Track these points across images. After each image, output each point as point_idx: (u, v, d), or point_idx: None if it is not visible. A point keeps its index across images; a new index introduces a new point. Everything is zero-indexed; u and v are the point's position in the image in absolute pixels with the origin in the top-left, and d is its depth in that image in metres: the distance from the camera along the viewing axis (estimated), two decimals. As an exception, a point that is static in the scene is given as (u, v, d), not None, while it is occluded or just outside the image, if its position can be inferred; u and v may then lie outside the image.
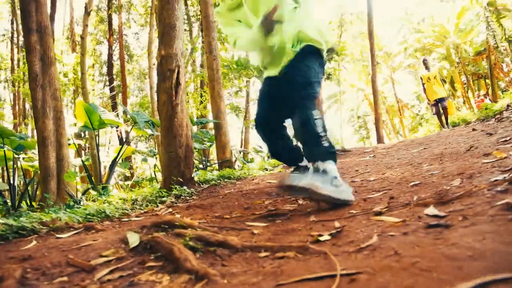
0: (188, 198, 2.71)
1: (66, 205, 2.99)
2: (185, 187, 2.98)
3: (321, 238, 1.00)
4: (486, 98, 17.45)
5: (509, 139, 2.38)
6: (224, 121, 6.47)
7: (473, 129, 3.92)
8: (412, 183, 1.73)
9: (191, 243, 1.02)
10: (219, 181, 3.26)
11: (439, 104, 8.05)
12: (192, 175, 3.25)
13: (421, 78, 8.44)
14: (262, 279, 0.73)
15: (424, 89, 8.31)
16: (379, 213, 1.21)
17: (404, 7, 27.15)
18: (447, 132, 5.40)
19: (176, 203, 2.57)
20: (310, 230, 1.16)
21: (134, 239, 1.16)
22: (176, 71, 3.25)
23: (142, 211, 2.35)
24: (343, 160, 4.10)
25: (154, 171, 11.81)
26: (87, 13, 8.06)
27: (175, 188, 2.98)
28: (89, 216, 2.00)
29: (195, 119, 13.32)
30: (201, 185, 3.15)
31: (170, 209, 2.19)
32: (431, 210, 1.05)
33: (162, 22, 3.45)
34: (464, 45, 22.47)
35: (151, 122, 5.59)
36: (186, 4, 17.70)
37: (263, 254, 0.92)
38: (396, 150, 4.07)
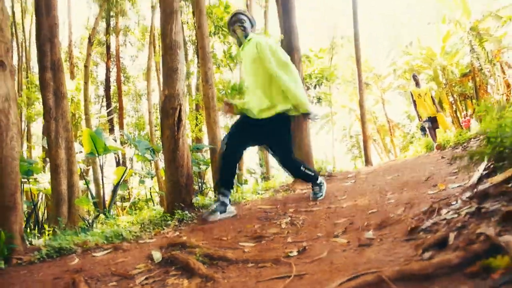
0: (189, 222, 3.14)
1: (81, 228, 3.40)
2: (186, 212, 3.41)
3: (291, 254, 1.45)
4: (473, 118, 18.15)
5: (457, 171, 2.85)
6: (219, 146, 6.91)
7: (442, 157, 4.41)
8: (371, 211, 2.19)
9: (200, 258, 1.47)
10: (216, 206, 3.69)
11: (431, 122, 7.79)
12: (192, 201, 3.69)
13: (411, 94, 8.15)
14: (249, 279, 1.18)
15: (415, 106, 8.01)
16: (336, 236, 1.67)
17: (393, 31, 28.02)
18: (422, 157, 5.90)
19: (179, 226, 3.01)
20: (285, 248, 1.61)
21: (158, 256, 1.60)
22: (178, 109, 3.72)
23: (152, 234, 2.78)
24: (327, 184, 4.57)
25: (151, 192, 12.18)
26: (90, 43, 8.58)
27: (178, 212, 3.41)
28: (110, 238, 2.42)
29: (191, 144, 13.72)
30: (200, 210, 3.58)
31: (177, 232, 2.62)
32: (369, 234, 1.51)
33: (165, 65, 3.95)
34: (451, 67, 23.34)
35: (151, 149, 6.04)
36: (182, 29, 18.39)
37: (250, 264, 1.36)
38: (375, 176, 4.54)
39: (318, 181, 3.37)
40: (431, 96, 7.94)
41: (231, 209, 3.07)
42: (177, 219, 3.30)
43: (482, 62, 19.40)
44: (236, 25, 3.21)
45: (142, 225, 3.40)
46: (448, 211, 1.40)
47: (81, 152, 6.02)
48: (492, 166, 1.98)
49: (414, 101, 7.98)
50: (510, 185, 1.62)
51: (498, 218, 0.97)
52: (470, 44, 19.79)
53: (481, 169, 2.19)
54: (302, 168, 3.27)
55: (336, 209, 2.61)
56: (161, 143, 4.19)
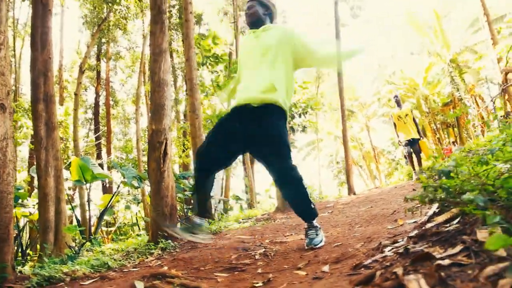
0: (172, 251, 3.32)
1: (68, 256, 3.54)
2: (169, 241, 3.59)
3: (256, 285, 1.67)
4: (455, 145, 18.74)
5: (419, 206, 3.12)
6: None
7: (413, 189, 4.70)
8: (336, 244, 2.42)
9: (177, 288, 1.67)
10: (198, 235, 3.88)
11: (412, 146, 7.31)
12: (176, 230, 3.88)
13: (391, 116, 7.85)
14: (216, 307, 1.39)
15: (395, 128, 7.59)
16: (299, 268, 1.89)
17: (377, 61, 28.98)
18: (401, 185, 6.20)
19: (162, 255, 3.19)
20: (254, 279, 1.82)
21: (140, 286, 1.80)
22: (164, 143, 3.96)
23: (136, 262, 2.96)
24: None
25: (136, 218, 12.21)
26: (81, 71, 8.83)
27: (161, 241, 3.59)
28: (96, 267, 2.60)
29: (178, 169, 13.89)
30: (183, 239, 3.76)
31: (159, 261, 2.80)
32: (325, 268, 1.74)
33: (153, 102, 4.20)
34: (433, 96, 24.16)
35: (138, 177, 6.22)
36: (171, 57, 18.82)
37: (220, 294, 1.58)
38: (350, 207, 4.80)
39: (315, 222, 2.59)
40: (413, 118, 7.45)
41: (203, 235, 2.62)
42: (161, 248, 3.48)
43: (462, 93, 20.17)
44: (247, 11, 2.77)
45: (127, 253, 3.57)
46: (391, 249, 1.64)
47: (67, 179, 6.16)
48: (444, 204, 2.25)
49: (394, 124, 7.61)
50: (448, 225, 1.89)
51: (413, 258, 1.21)
52: (450, 75, 20.62)
53: (434, 207, 2.46)
54: (306, 191, 2.54)
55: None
56: (147, 168, 4.39)
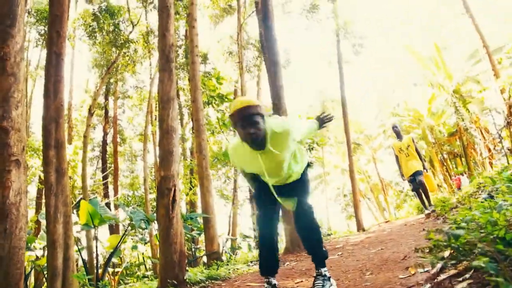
0: (181, 300, 3.29)
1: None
2: (179, 289, 3.56)
3: None
4: (463, 175, 18.55)
5: (429, 251, 3.08)
6: (212, 215, 7.12)
7: (423, 229, 4.65)
8: (347, 295, 2.39)
9: None
10: (207, 283, 3.85)
11: (416, 180, 6.77)
12: (185, 277, 3.85)
13: (392, 149, 7.39)
14: None
15: (397, 161, 7.19)
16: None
17: (381, 93, 29.29)
18: (410, 224, 6.13)
19: (171, 306, 3.15)
20: None
21: None
22: (173, 189, 4.00)
23: (145, 315, 2.93)
24: (315, 257, 4.76)
25: (144, 257, 12.06)
26: (90, 114, 9.03)
27: (170, 290, 3.56)
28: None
29: (185, 207, 13.83)
30: (192, 287, 3.73)
31: (168, 314, 2.77)
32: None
33: (161, 148, 4.28)
34: (438, 126, 24.21)
35: (146, 219, 6.22)
36: (178, 96, 19.20)
37: None
38: (360, 248, 4.74)
39: (325, 270, 2.59)
40: (415, 148, 6.98)
41: None
42: (170, 297, 3.45)
43: (467, 122, 20.19)
44: (247, 131, 2.26)
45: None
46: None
47: (76, 223, 6.17)
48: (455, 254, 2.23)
49: (396, 156, 7.21)
50: (460, 279, 1.87)
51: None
52: (454, 105, 20.71)
53: (446, 255, 2.45)
54: (318, 230, 2.67)
55: (318, 290, 2.79)
56: (156, 214, 4.40)
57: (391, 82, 29.59)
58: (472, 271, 1.82)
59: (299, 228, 2.68)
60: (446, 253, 2.33)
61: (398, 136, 7.29)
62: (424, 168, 6.92)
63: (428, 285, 1.97)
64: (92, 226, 5.89)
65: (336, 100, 26.04)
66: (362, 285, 2.60)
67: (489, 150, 17.05)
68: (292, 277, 3.57)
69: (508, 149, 12.69)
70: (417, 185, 6.77)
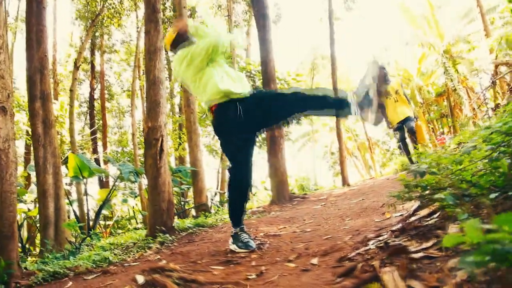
0: (170, 245, 3.45)
1: (69, 252, 3.66)
2: (167, 235, 3.72)
3: (250, 277, 1.79)
4: (448, 135, 18.94)
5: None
6: (200, 169, 7.25)
7: (404, 182, 4.83)
8: (326, 237, 2.55)
9: (176, 280, 1.79)
10: (195, 229, 4.01)
11: (405, 127, 6.08)
12: (173, 224, 4.00)
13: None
14: (212, 298, 1.51)
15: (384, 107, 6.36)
16: (290, 261, 2.02)
17: (372, 52, 29.05)
18: (391, 179, 6.33)
19: (161, 249, 3.31)
20: (248, 272, 1.95)
21: (141, 280, 1.92)
22: (160, 140, 4.06)
23: (136, 256, 3.08)
24: (299, 207, 4.95)
25: (134, 211, 12.32)
26: (76, 67, 8.86)
27: (160, 235, 3.71)
28: (97, 262, 2.72)
29: (174, 162, 13.99)
30: (180, 233, 3.89)
31: (158, 255, 2.93)
32: (314, 260, 1.86)
33: (149, 99, 4.30)
34: (427, 87, 24.31)
35: (135, 171, 6.32)
36: (166, 51, 18.79)
37: (215, 286, 1.70)
38: (343, 199, 4.94)
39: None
40: (404, 94, 6.27)
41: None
42: (159, 242, 3.60)
43: (456, 83, 20.31)
44: None
45: (127, 248, 3.70)
46: (374, 242, 1.77)
47: (66, 175, 6.25)
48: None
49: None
50: (429, 219, 2.01)
51: (390, 251, 1.33)
52: (444, 66, 20.69)
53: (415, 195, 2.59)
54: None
55: (299, 234, 2.96)
56: (144, 164, 4.49)
57: (382, 41, 29.25)
58: (440, 211, 1.96)
59: None
60: (416, 194, 2.48)
61: (385, 79, 6.34)
62: (415, 116, 6.23)
63: (399, 225, 2.11)
64: (81, 178, 5.97)
65: (327, 58, 25.81)
66: (341, 228, 2.77)
67: (473, 109, 17.31)
68: (276, 224, 3.74)
69: (492, 109, 12.89)
70: (409, 132, 5.99)
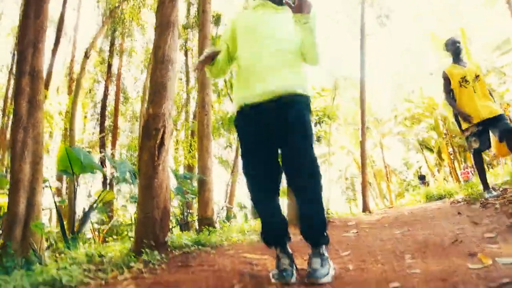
0: (156, 266, 2.54)
1: (26, 260, 2.79)
2: (156, 252, 2.81)
3: None
4: (472, 169, 17.79)
5: (495, 235, 2.31)
6: (209, 178, 6.37)
7: (458, 213, 3.86)
8: (391, 284, 1.62)
9: None
10: (193, 248, 3.10)
11: (490, 129, 4.17)
12: (166, 239, 3.10)
13: (446, 78, 4.47)
14: None
15: (453, 98, 4.48)
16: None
17: (396, 78, 28.29)
18: (431, 208, 5.35)
19: (142, 272, 2.40)
20: None
21: None
22: (162, 131, 3.20)
23: (103, 281, 2.18)
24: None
25: (135, 218, 11.44)
26: (86, 57, 8.20)
27: (146, 252, 2.81)
28: (41, 286, 1.83)
29: (181, 168, 13.19)
30: (174, 251, 2.98)
31: (133, 283, 2.02)
32: None
33: (154, 80, 3.46)
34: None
35: (133, 171, 5.47)
36: (186, 55, 18.25)
37: None
38: (380, 228, 3.97)
39: (324, 249, 1.98)
40: (484, 82, 4.40)
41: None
42: (143, 260, 2.70)
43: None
44: None
45: (101, 263, 2.79)
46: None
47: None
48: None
49: (451, 91, 4.48)
50: None
51: None
52: (472, 97, 19.67)
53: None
54: (322, 200, 1.97)
55: (340, 272, 2.04)
56: (138, 159, 3.64)
57: (408, 68, 28.44)
58: None
59: (299, 199, 1.98)
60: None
61: (457, 58, 4.51)
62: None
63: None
64: (71, 173, 5.12)
65: (349, 79, 24.95)
66: (408, 272, 1.83)
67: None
68: (301, 253, 2.81)
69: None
70: (502, 135, 3.95)
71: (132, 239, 5.37)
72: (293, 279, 1.89)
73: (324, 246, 1.97)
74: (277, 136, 1.92)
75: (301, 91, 1.95)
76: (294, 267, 2.00)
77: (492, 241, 2.23)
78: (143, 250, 2.87)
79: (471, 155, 4.39)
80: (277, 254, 2.04)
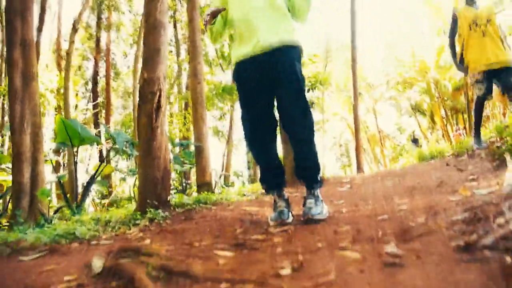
0: (161, 222, 2.69)
1: (36, 224, 2.92)
2: (159, 210, 2.96)
3: (282, 272, 1.02)
4: (464, 130, 18.04)
5: (477, 177, 2.47)
6: (205, 144, 6.48)
7: (447, 164, 4.03)
8: (381, 217, 1.77)
9: (153, 272, 1.02)
10: (194, 206, 3.25)
11: (495, 80, 3.93)
12: (168, 198, 3.24)
13: (454, 20, 4.18)
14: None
15: (461, 45, 4.13)
16: (343, 248, 1.24)
17: (389, 40, 27.99)
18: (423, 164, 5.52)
19: (149, 227, 2.55)
20: (275, 262, 1.17)
21: (98, 264, 1.15)
22: (158, 94, 3.28)
23: (113, 234, 2.33)
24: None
25: (134, 191, 11.63)
26: (74, 29, 8.09)
27: (150, 211, 2.96)
28: (57, 237, 1.97)
29: (177, 141, 13.31)
30: (176, 209, 3.13)
31: (141, 233, 2.17)
32: (390, 247, 1.08)
33: (147, 46, 3.51)
34: (444, 80, 23.22)
35: (131, 142, 5.56)
36: (175, 27, 17.95)
37: (223, 285, 0.93)
38: (372, 182, 4.15)
39: (317, 191, 2.12)
40: (498, 27, 3.96)
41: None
42: (148, 218, 2.85)
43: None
44: None
45: (107, 224, 2.94)
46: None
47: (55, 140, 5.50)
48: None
49: (456, 35, 4.20)
50: None
51: None
52: (464, 59, 19.62)
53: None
54: (314, 142, 2.09)
55: (334, 214, 2.19)
56: (137, 124, 3.74)
57: (401, 30, 28.09)
58: None
59: (294, 144, 2.12)
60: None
61: (471, 0, 4.08)
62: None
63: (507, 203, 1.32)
64: (70, 145, 5.21)
65: (341, 43, 24.78)
66: (395, 208, 1.99)
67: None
68: (296, 203, 2.97)
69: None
70: (504, 89, 3.80)
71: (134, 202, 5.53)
72: (290, 219, 2.05)
73: (318, 190, 2.10)
74: (272, 84, 2.05)
75: (291, 42, 2.06)
76: (290, 210, 2.15)
77: (474, 181, 2.39)
78: (147, 210, 3.02)
79: (474, 101, 4.16)
80: (274, 199, 2.19)
